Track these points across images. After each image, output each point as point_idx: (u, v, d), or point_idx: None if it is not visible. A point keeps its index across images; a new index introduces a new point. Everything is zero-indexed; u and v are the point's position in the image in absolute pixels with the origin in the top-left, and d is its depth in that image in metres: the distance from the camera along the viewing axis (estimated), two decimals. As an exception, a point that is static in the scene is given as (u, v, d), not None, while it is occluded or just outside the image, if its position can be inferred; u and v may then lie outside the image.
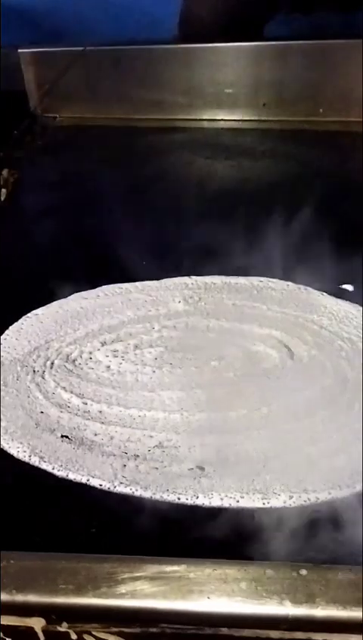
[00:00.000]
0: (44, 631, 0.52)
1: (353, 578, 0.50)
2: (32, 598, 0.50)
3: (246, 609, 0.49)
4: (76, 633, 0.52)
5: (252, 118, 1.43)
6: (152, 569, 0.51)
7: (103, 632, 0.52)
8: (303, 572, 0.50)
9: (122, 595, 0.50)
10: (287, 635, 0.50)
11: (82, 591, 0.50)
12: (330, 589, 0.49)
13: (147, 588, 0.50)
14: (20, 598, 0.50)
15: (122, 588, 0.50)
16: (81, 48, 1.42)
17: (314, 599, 0.49)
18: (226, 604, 0.49)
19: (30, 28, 1.51)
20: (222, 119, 1.44)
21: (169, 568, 0.51)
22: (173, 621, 0.51)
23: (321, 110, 1.39)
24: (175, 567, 0.51)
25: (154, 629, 0.52)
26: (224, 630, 0.51)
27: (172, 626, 0.51)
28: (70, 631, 0.52)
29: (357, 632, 0.49)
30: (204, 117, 1.44)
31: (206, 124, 1.44)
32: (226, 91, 1.41)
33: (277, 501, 0.62)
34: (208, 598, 0.50)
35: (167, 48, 1.41)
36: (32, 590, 0.50)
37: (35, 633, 0.52)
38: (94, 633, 0.52)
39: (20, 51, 1.45)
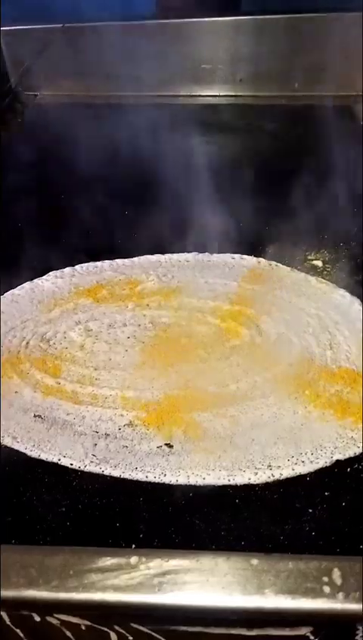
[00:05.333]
0: (9, 614, 0.53)
1: (303, 567, 0.50)
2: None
3: (195, 601, 0.50)
4: (39, 616, 0.53)
5: (229, 93, 1.44)
6: (103, 561, 0.51)
7: (65, 614, 0.52)
8: (254, 562, 0.51)
9: (74, 588, 0.50)
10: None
11: (34, 585, 0.50)
12: (279, 579, 0.50)
13: (98, 581, 0.50)
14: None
15: (74, 581, 0.50)
16: (60, 25, 1.41)
17: (263, 590, 0.49)
18: (176, 596, 0.50)
19: (9, 6, 1.50)
20: (199, 95, 1.45)
21: (120, 560, 0.51)
22: (124, 613, 0.52)
23: (296, 85, 1.40)
24: (127, 559, 0.51)
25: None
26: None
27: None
28: (33, 614, 0.53)
29: (306, 624, 0.51)
30: (181, 93, 1.45)
31: (182, 100, 1.44)
32: (203, 66, 1.41)
33: (242, 478, 0.64)
34: (158, 590, 0.50)
35: (145, 24, 1.41)
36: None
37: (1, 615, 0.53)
38: (56, 615, 0.53)
39: (-2, 29, 1.44)
